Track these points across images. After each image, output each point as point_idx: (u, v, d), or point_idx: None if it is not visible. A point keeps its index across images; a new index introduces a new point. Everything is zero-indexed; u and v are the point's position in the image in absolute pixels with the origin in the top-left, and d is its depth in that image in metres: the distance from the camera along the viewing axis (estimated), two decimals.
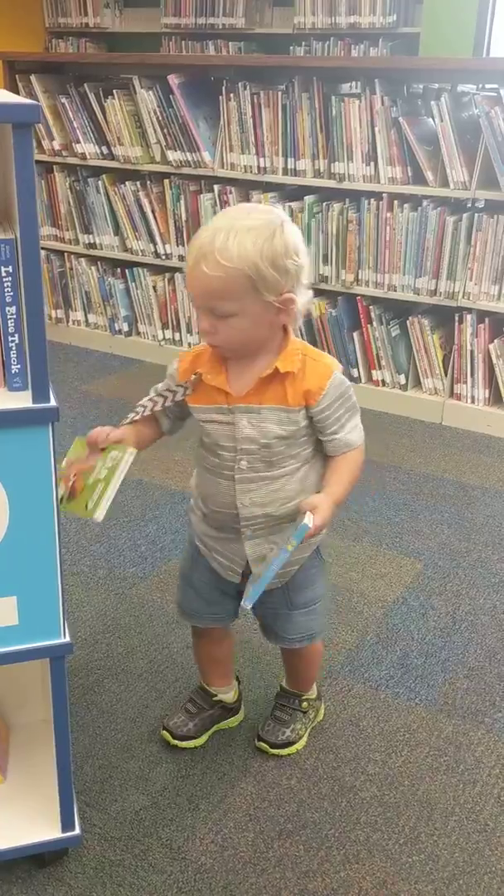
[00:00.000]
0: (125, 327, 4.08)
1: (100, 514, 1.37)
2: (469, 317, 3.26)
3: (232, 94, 3.48)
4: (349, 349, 3.53)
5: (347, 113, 3.28)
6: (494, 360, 3.26)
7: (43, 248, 4.15)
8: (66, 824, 1.49)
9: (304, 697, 1.81)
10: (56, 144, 3.97)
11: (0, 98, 1.16)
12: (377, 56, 4.53)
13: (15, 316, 1.18)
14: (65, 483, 1.40)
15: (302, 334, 3.58)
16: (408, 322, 3.39)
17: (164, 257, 3.86)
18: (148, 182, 3.81)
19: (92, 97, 3.76)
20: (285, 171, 3.50)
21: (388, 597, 2.32)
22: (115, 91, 3.70)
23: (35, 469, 1.23)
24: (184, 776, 1.73)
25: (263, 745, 1.77)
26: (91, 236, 4.02)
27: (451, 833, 1.62)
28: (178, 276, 3.82)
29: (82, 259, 4.10)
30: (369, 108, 3.24)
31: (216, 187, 3.63)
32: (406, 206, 3.28)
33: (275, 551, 1.47)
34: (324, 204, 3.44)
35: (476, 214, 3.17)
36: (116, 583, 2.35)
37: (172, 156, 3.69)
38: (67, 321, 4.26)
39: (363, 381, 3.57)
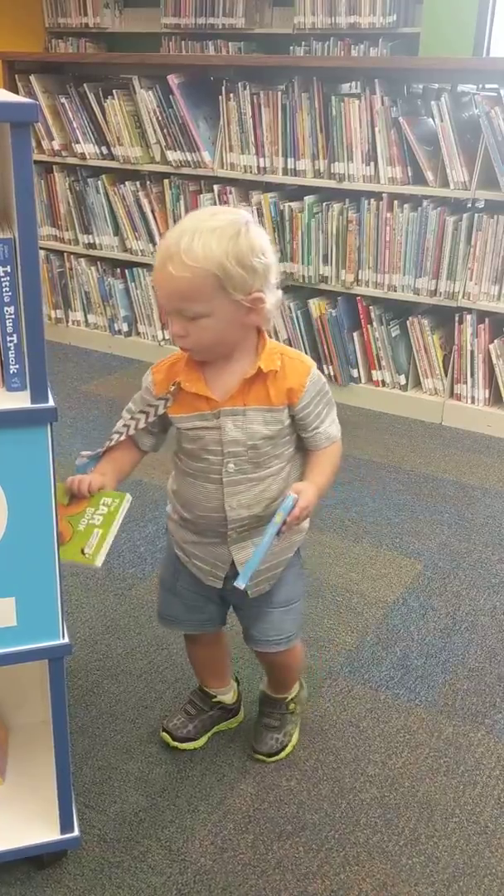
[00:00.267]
0: (125, 327, 4.08)
1: (100, 560, 1.37)
2: (469, 317, 3.26)
3: (232, 94, 3.48)
4: (349, 349, 3.53)
5: (347, 113, 3.27)
6: (494, 361, 3.26)
7: (42, 249, 4.15)
8: (65, 826, 1.49)
9: (288, 699, 1.79)
10: (56, 144, 3.96)
11: None
12: (377, 56, 4.52)
13: (13, 316, 1.17)
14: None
15: (302, 334, 3.58)
16: (408, 322, 3.38)
17: None
18: (148, 182, 3.80)
19: (92, 97, 3.75)
20: (285, 171, 3.50)
21: (388, 597, 2.32)
22: (114, 91, 3.70)
23: (33, 469, 1.23)
24: (183, 777, 1.73)
25: (261, 758, 1.76)
26: (91, 236, 4.02)
27: (451, 835, 1.61)
28: None
29: (82, 259, 4.10)
30: (369, 108, 3.23)
31: (216, 187, 3.62)
32: (406, 206, 3.27)
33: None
34: (324, 204, 3.44)
35: (476, 214, 3.17)
36: (115, 583, 2.34)
37: (172, 156, 3.68)
38: (67, 321, 4.26)
39: (363, 381, 3.57)
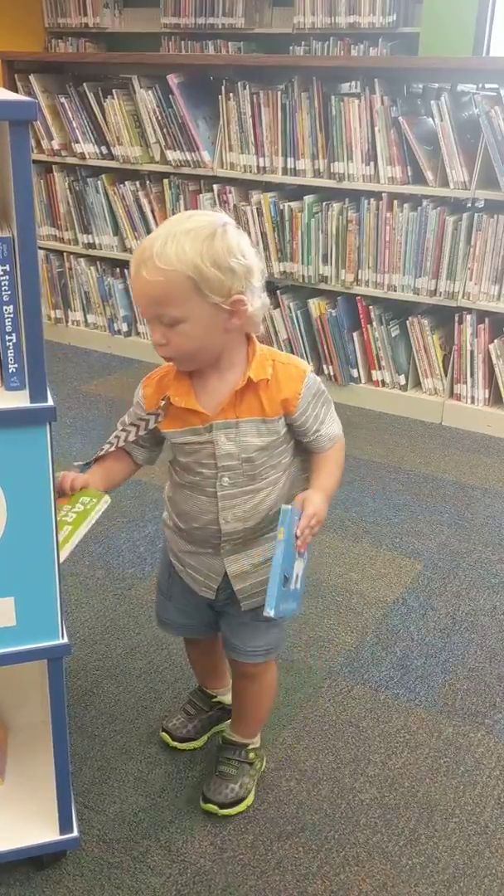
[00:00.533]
0: (124, 327, 4.08)
1: (62, 557, 1.34)
2: (469, 317, 3.26)
3: (231, 94, 3.48)
4: (349, 349, 3.52)
5: (347, 113, 3.27)
6: (494, 361, 3.26)
7: (42, 248, 4.15)
8: (65, 826, 1.48)
9: (249, 748, 1.69)
10: (55, 144, 3.96)
11: None
12: (377, 56, 4.52)
13: (12, 315, 1.17)
14: None
15: (302, 334, 3.58)
16: (408, 322, 3.38)
17: None
18: (147, 182, 3.80)
19: (91, 97, 3.75)
20: (285, 171, 3.50)
21: (388, 597, 2.31)
22: (114, 91, 3.70)
23: (32, 469, 1.23)
24: (183, 778, 1.72)
25: (211, 807, 1.62)
26: (90, 236, 4.02)
27: (451, 835, 1.61)
28: None
29: (81, 259, 4.09)
30: (369, 108, 3.23)
31: (215, 187, 3.62)
32: (406, 205, 3.27)
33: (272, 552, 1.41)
34: (323, 204, 3.43)
35: (476, 214, 3.17)
36: (115, 583, 2.34)
37: (172, 155, 3.68)
38: (66, 321, 4.26)
39: (363, 381, 3.57)
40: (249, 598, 1.52)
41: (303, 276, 3.54)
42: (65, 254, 4.13)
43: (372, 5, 4.55)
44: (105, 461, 1.49)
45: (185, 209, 3.70)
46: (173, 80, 3.51)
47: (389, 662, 2.06)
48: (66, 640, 1.34)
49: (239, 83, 3.45)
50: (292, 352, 3.63)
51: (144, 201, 3.79)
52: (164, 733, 1.79)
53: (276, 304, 3.57)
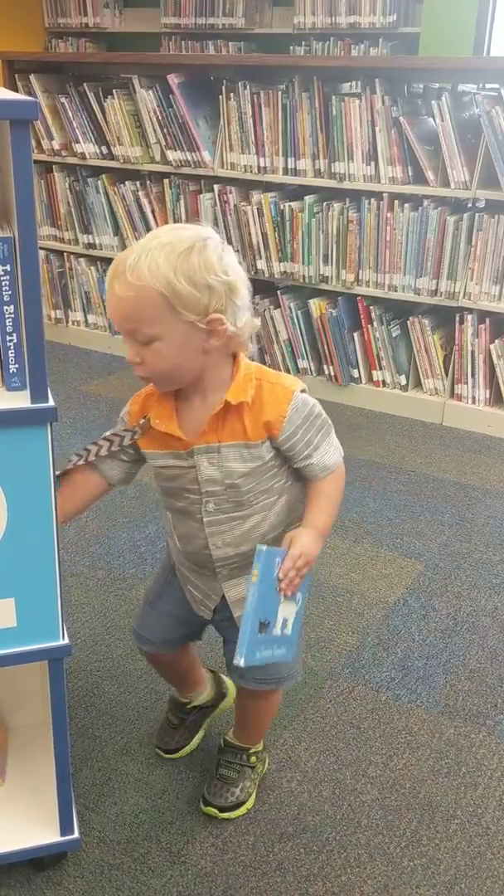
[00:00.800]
0: None
1: None
2: (470, 317, 3.25)
3: (232, 94, 3.47)
4: (349, 349, 3.52)
5: (347, 112, 3.27)
6: (495, 361, 3.26)
7: (42, 249, 4.15)
8: (65, 828, 1.48)
9: (251, 751, 1.66)
10: (55, 144, 3.96)
11: None
12: (377, 56, 4.52)
13: (13, 315, 1.17)
14: None
15: (302, 334, 3.58)
16: (408, 322, 3.38)
17: None
18: (147, 182, 3.80)
19: (91, 97, 3.75)
20: (285, 171, 3.49)
21: (389, 598, 2.31)
22: (114, 91, 3.70)
23: (33, 469, 1.22)
24: (184, 779, 1.72)
25: (212, 811, 1.61)
26: (90, 236, 4.01)
27: (452, 836, 1.61)
28: None
29: (82, 259, 4.09)
30: (369, 108, 3.23)
31: (216, 187, 3.62)
32: (406, 205, 3.27)
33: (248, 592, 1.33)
34: (324, 204, 3.43)
35: (477, 214, 3.16)
36: (116, 584, 2.33)
37: (172, 155, 3.68)
38: (67, 321, 4.25)
39: (364, 381, 3.57)
40: None
41: (303, 276, 3.54)
42: (65, 254, 4.13)
43: (372, 5, 4.56)
44: (73, 477, 1.41)
45: (186, 209, 3.70)
46: (174, 80, 3.50)
47: (390, 663, 2.06)
48: (66, 640, 1.33)
49: (239, 83, 3.44)
50: (293, 352, 3.63)
51: (145, 201, 3.79)
52: (156, 749, 1.77)
53: (277, 305, 3.57)
